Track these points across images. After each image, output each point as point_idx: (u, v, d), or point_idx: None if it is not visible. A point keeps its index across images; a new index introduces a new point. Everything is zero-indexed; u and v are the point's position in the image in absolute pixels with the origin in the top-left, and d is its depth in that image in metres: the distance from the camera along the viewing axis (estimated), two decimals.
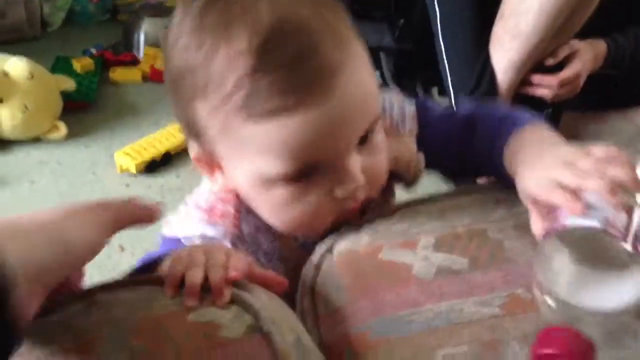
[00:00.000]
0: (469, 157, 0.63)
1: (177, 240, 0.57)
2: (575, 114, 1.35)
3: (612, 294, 0.44)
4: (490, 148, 0.59)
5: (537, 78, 1.25)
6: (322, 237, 0.57)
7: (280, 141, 0.49)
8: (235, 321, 0.43)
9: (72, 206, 0.44)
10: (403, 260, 0.52)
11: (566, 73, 1.23)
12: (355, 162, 0.52)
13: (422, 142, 0.63)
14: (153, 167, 1.39)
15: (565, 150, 0.53)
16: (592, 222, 0.45)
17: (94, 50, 1.78)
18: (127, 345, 0.40)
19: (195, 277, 0.45)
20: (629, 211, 0.45)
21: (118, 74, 1.72)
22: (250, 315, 0.44)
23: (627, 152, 0.63)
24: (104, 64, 1.74)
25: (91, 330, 0.41)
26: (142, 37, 1.81)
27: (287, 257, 0.60)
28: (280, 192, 0.52)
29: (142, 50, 1.80)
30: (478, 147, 0.61)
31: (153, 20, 1.82)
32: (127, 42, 1.83)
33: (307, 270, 0.55)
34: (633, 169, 0.48)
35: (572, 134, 1.35)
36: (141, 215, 0.48)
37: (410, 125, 0.63)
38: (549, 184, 0.49)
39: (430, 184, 0.67)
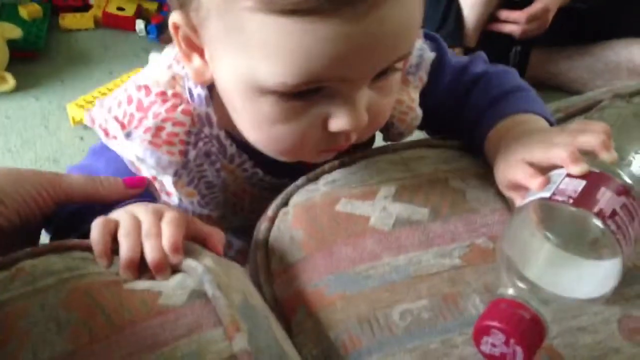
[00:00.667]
0: (458, 122, 0.58)
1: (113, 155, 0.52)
2: (545, 50, 1.33)
3: (585, 282, 0.42)
4: (474, 126, 0.55)
5: (504, 14, 1.22)
6: (283, 168, 0.52)
7: (295, 46, 0.40)
8: (177, 288, 0.40)
9: None
10: (360, 211, 0.49)
11: (534, 8, 1.21)
12: (363, 97, 0.45)
13: (426, 94, 0.58)
14: None
15: (544, 131, 0.51)
16: (544, 194, 0.42)
17: None
18: (56, 317, 0.37)
19: (131, 250, 0.42)
20: (591, 177, 0.42)
21: (68, 20, 1.63)
22: (193, 280, 0.41)
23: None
24: (52, 10, 1.64)
25: (16, 301, 0.38)
26: None
27: (230, 189, 0.56)
28: (269, 106, 0.44)
29: None
30: (466, 116, 0.57)
31: None
32: None
33: (261, 223, 0.52)
34: (606, 134, 0.45)
35: (543, 71, 1.33)
36: None
37: (422, 76, 0.57)
38: (517, 163, 0.47)
39: None
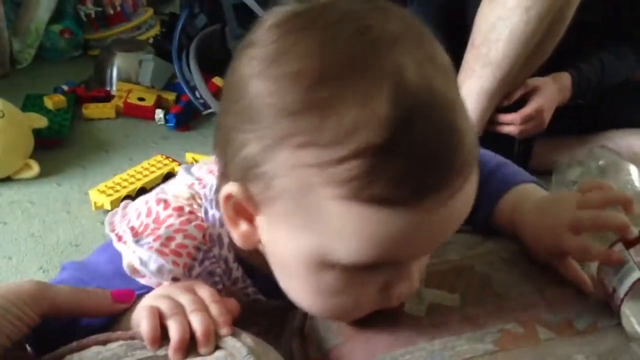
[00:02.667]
0: None
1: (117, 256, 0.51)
2: (548, 140, 1.38)
3: None
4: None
5: (499, 116, 1.28)
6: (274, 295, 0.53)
7: (375, 231, 0.40)
8: None
9: None
10: None
11: (527, 110, 1.26)
12: (417, 266, 0.47)
13: None
14: None
15: (566, 197, 0.54)
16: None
17: (65, 87, 1.76)
18: None
19: (182, 330, 0.43)
20: None
21: (91, 110, 1.70)
22: None
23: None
24: (76, 100, 1.72)
25: None
26: (114, 72, 1.79)
27: None
28: (333, 278, 0.44)
29: (114, 86, 1.78)
30: None
31: (125, 55, 1.80)
32: (100, 78, 1.81)
33: (295, 311, 0.54)
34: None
35: (546, 160, 1.38)
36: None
37: None
38: (564, 232, 0.51)
39: None
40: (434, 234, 0.43)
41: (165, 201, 0.53)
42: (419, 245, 0.44)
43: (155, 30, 2.07)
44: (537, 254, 0.54)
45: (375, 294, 0.46)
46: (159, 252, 0.49)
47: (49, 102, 1.66)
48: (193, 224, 0.51)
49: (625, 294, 0.48)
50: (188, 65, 1.70)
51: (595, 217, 0.51)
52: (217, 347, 0.44)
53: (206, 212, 0.52)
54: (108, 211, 1.34)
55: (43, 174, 1.47)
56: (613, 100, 1.41)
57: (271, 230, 0.45)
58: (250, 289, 0.55)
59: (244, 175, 0.44)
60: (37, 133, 1.53)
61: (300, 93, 0.39)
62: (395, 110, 0.38)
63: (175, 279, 0.50)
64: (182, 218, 0.51)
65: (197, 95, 1.68)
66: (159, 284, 0.50)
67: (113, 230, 0.54)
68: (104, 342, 0.45)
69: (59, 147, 1.57)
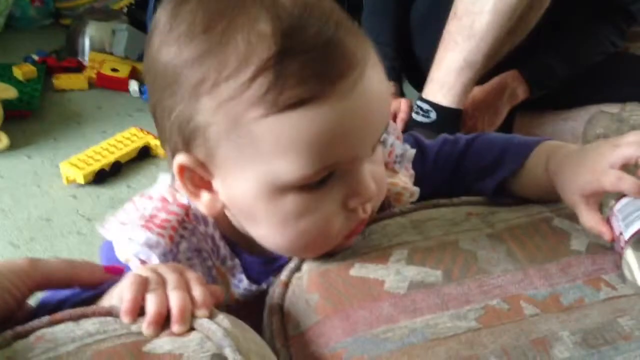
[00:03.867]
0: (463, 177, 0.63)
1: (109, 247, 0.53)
2: (528, 115, 1.37)
3: None
4: (495, 167, 0.60)
5: None
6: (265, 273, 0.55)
7: (305, 136, 0.43)
8: (198, 351, 0.40)
9: None
10: (374, 275, 0.50)
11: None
12: (367, 169, 0.48)
13: (422, 179, 0.61)
14: (102, 177, 1.33)
15: (602, 141, 0.55)
16: None
17: (36, 57, 1.70)
18: None
19: (158, 304, 0.42)
20: None
21: (62, 80, 1.65)
22: (213, 343, 0.41)
23: None
24: (47, 71, 1.67)
25: None
26: (87, 42, 1.74)
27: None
28: (291, 202, 0.46)
29: (87, 56, 1.73)
30: (478, 165, 0.62)
31: (98, 25, 1.75)
32: (71, 48, 1.75)
33: (275, 288, 0.52)
34: None
35: (528, 135, 1.36)
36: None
37: (408, 166, 0.61)
38: (605, 170, 0.51)
39: None
40: (360, 124, 0.46)
41: (149, 196, 0.54)
42: (352, 141, 0.46)
43: None
44: (568, 195, 0.54)
45: (338, 212, 0.48)
46: (145, 227, 0.51)
47: (18, 72, 1.60)
48: (175, 203, 0.53)
49: (630, 238, 0.48)
50: None
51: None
52: (193, 329, 0.42)
53: (187, 200, 0.53)
54: (80, 185, 1.31)
55: (12, 147, 1.43)
56: (593, 74, 1.39)
57: (225, 186, 0.48)
58: (237, 269, 0.55)
59: (184, 140, 0.47)
60: (6, 104, 1.48)
61: (197, 41, 0.44)
62: (277, 24, 0.43)
63: (164, 257, 0.50)
64: (164, 203, 0.53)
65: None
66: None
67: (103, 229, 0.54)
68: (77, 319, 0.42)
69: (29, 118, 1.53)
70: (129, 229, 0.51)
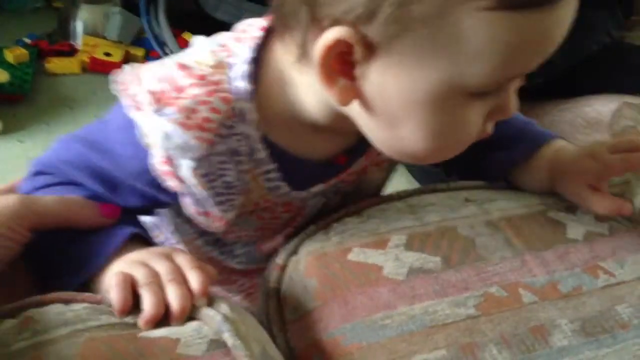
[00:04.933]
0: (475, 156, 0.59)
1: (130, 125, 0.46)
2: (527, 106, 1.36)
3: None
4: (509, 156, 0.59)
5: None
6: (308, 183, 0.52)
7: (513, 41, 0.39)
8: (195, 337, 0.39)
9: None
10: (373, 261, 0.49)
11: None
12: (515, 92, 0.46)
13: None
14: None
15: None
16: None
17: (27, 40, 1.67)
18: None
19: (156, 303, 0.41)
20: None
21: (54, 64, 1.63)
22: (211, 329, 0.40)
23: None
24: (39, 54, 1.64)
25: (28, 352, 0.37)
26: (79, 26, 1.71)
27: (250, 196, 0.52)
28: (456, 111, 0.42)
29: (79, 40, 1.70)
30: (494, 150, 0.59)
31: (91, 8, 1.72)
32: (64, 31, 1.73)
33: (271, 271, 0.51)
34: None
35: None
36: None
37: None
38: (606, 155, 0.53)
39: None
40: (552, 40, 0.41)
41: (187, 67, 0.47)
42: (538, 57, 0.42)
43: None
44: (574, 189, 0.55)
45: (480, 125, 0.45)
46: (183, 126, 0.45)
47: (9, 56, 1.58)
48: (219, 95, 0.46)
49: None
50: (157, 19, 1.63)
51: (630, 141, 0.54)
52: (191, 318, 0.41)
53: (232, 84, 0.46)
54: None
55: (4, 131, 1.41)
56: (591, 64, 1.39)
57: (385, 74, 0.41)
58: (273, 174, 0.50)
59: (368, 10, 0.39)
60: None
61: None
62: None
63: (197, 163, 0.46)
64: (207, 88, 0.46)
65: (167, 51, 1.62)
66: (168, 162, 0.46)
67: (125, 92, 0.48)
68: (67, 302, 0.42)
69: (21, 102, 1.50)
70: (165, 121, 0.45)
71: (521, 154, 0.59)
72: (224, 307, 0.42)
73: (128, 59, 1.67)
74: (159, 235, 0.62)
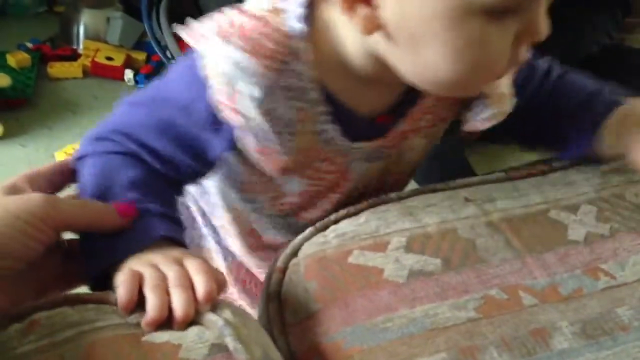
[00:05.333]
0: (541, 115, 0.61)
1: (196, 59, 0.48)
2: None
3: None
4: (577, 119, 0.59)
5: None
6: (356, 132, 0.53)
7: None
8: (196, 341, 0.40)
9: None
10: (373, 263, 0.50)
11: None
12: (543, 15, 0.45)
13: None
14: None
15: None
16: None
17: (30, 44, 1.68)
18: None
19: (160, 307, 0.41)
20: None
21: (57, 69, 1.63)
22: (212, 333, 0.40)
23: None
24: (41, 59, 1.65)
25: (34, 355, 0.37)
26: (81, 30, 1.72)
27: (301, 142, 0.53)
28: (475, 28, 0.43)
29: (81, 44, 1.71)
30: (562, 111, 0.60)
31: (92, 12, 1.73)
32: (65, 36, 1.74)
33: (271, 273, 0.51)
34: None
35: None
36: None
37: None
38: None
39: None
40: None
41: (246, 11, 0.48)
42: None
43: None
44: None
45: (509, 47, 0.45)
46: (250, 53, 0.46)
47: (12, 60, 1.59)
48: (279, 32, 0.48)
49: None
50: (159, 23, 1.64)
51: None
52: (193, 322, 0.42)
53: (287, 25, 0.48)
54: None
55: (7, 135, 1.42)
56: (591, 67, 1.39)
57: (400, 0, 0.43)
58: (323, 117, 0.52)
59: None
60: (1, 92, 1.46)
61: None
62: None
63: (266, 91, 0.48)
64: (268, 28, 0.48)
65: (169, 55, 1.63)
66: (229, 93, 0.48)
67: (190, 31, 0.49)
68: (73, 303, 0.42)
69: (23, 107, 1.51)
70: (233, 51, 0.46)
71: (601, 114, 0.59)
72: (226, 312, 0.42)
73: (129, 62, 1.68)
74: (205, 205, 0.64)
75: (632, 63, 1.40)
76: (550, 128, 0.62)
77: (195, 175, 0.56)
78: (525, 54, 0.47)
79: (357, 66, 0.50)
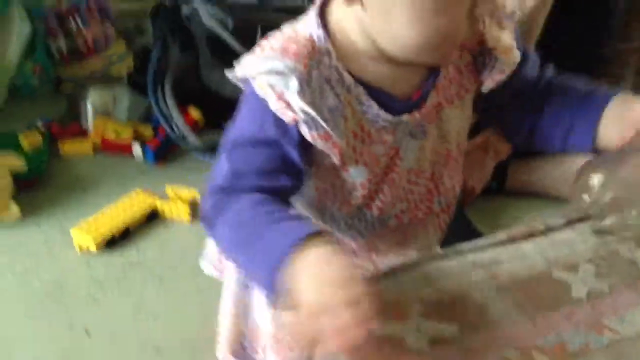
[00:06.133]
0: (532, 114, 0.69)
1: (247, 82, 0.61)
2: (519, 162, 1.42)
3: None
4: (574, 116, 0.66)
5: None
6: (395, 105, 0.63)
7: None
8: None
9: None
10: (395, 332, 0.54)
11: None
12: None
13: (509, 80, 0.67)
14: (112, 243, 1.36)
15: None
16: None
17: (40, 124, 1.75)
18: None
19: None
20: None
21: (68, 146, 1.69)
22: None
23: None
24: (51, 138, 1.71)
25: None
26: (89, 108, 1.78)
27: (349, 123, 0.62)
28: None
29: (90, 121, 1.77)
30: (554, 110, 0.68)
31: (100, 91, 1.80)
32: (74, 114, 1.80)
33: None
34: None
35: (520, 181, 1.42)
36: None
37: (513, 30, 0.66)
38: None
39: None
40: None
41: (274, 34, 0.63)
42: None
43: (128, 62, 2.06)
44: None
45: (464, 18, 0.56)
46: (281, 54, 0.59)
47: (24, 141, 1.64)
48: (302, 36, 0.61)
49: None
50: (164, 98, 1.71)
51: None
52: None
53: (309, 32, 0.61)
54: (90, 251, 1.34)
55: (22, 215, 1.46)
56: None
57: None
58: (363, 97, 0.62)
59: None
60: (14, 173, 1.51)
61: None
62: None
63: (302, 85, 0.58)
64: (292, 35, 0.62)
65: (174, 128, 1.69)
66: (280, 97, 0.59)
67: (241, 70, 0.62)
68: None
69: (37, 186, 1.56)
70: (265, 61, 0.60)
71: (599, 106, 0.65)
72: None
73: (137, 137, 1.74)
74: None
75: None
76: (552, 120, 0.68)
77: (296, 189, 0.64)
78: (481, 26, 0.58)
79: (368, 51, 0.60)
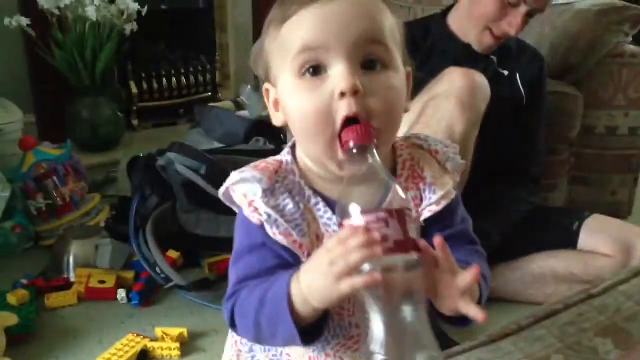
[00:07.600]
0: None
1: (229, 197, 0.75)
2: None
3: None
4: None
5: None
6: None
7: (300, 30, 0.68)
8: None
9: None
10: None
11: None
12: (348, 70, 0.67)
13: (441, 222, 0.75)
14: None
15: None
16: None
17: (24, 281, 1.81)
18: None
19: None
20: None
21: (53, 299, 1.75)
22: None
23: None
24: (37, 292, 1.77)
25: None
26: (71, 260, 1.86)
27: (310, 228, 0.73)
28: (303, 84, 0.69)
29: (72, 273, 1.85)
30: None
31: (81, 242, 1.89)
32: (57, 267, 1.87)
33: None
34: None
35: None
36: None
37: (456, 175, 0.78)
38: None
39: None
40: (337, 24, 0.68)
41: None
42: (329, 34, 0.68)
43: (104, 214, 2.18)
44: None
45: (331, 98, 0.68)
46: (252, 168, 0.74)
47: (12, 299, 1.70)
48: (273, 159, 0.77)
49: None
50: (146, 243, 1.82)
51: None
52: None
53: (281, 158, 0.77)
54: None
55: None
56: (525, 228, 1.67)
57: (280, 88, 0.73)
58: (320, 204, 0.74)
59: (268, 80, 0.75)
60: (8, 331, 1.56)
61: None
62: None
63: (265, 194, 0.72)
64: (270, 160, 0.77)
65: (158, 271, 1.79)
66: (250, 204, 0.72)
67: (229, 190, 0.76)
68: None
69: (28, 341, 1.60)
70: (240, 174, 0.73)
71: None
72: None
73: (121, 283, 1.82)
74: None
75: (553, 221, 1.70)
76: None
77: None
78: (348, 106, 0.67)
79: (321, 173, 0.74)
